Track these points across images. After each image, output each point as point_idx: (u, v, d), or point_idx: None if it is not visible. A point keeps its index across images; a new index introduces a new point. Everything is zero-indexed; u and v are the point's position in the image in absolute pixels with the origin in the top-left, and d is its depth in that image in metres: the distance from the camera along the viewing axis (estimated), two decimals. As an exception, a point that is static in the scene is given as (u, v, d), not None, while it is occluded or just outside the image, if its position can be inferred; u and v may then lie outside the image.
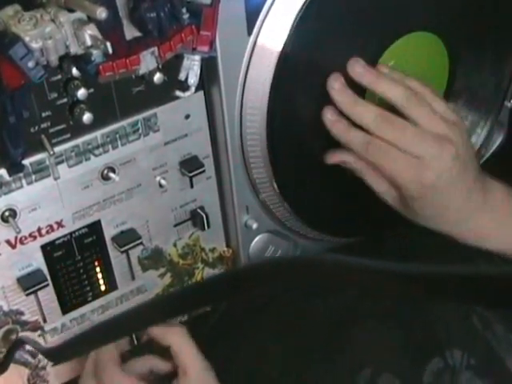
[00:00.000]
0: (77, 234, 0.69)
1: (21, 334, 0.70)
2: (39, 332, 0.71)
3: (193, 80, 0.65)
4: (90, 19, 0.55)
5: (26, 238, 0.66)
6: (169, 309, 0.68)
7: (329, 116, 0.72)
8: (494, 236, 0.76)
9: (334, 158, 0.74)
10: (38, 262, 0.68)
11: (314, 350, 0.74)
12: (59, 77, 0.60)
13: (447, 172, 0.71)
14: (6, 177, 0.62)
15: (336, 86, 0.71)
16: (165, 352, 0.71)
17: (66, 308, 0.72)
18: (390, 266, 0.51)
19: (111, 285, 0.74)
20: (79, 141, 0.65)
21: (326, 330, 0.75)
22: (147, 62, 0.60)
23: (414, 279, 0.51)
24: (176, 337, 0.70)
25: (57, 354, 0.71)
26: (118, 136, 0.67)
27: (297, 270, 0.60)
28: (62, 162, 0.65)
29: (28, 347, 0.71)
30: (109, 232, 0.71)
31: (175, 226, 0.75)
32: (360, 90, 0.72)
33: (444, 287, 0.51)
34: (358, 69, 0.71)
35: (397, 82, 0.72)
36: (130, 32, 0.58)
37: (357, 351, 0.72)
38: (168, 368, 0.71)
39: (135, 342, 0.74)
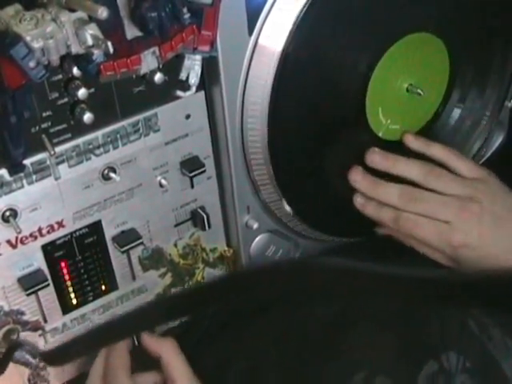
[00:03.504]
0: (77, 233, 0.69)
1: (20, 334, 0.70)
2: (40, 332, 0.71)
3: (194, 80, 0.65)
4: (91, 19, 0.55)
5: (26, 237, 0.66)
6: (167, 311, 0.68)
7: (359, 200, 0.79)
8: None
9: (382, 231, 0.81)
10: (39, 261, 0.68)
11: (309, 353, 0.74)
12: (60, 77, 0.60)
13: (476, 229, 0.74)
14: (7, 177, 0.62)
15: (358, 178, 0.78)
16: (154, 362, 0.71)
17: (66, 308, 0.72)
18: (391, 270, 0.51)
19: (112, 285, 0.74)
20: (80, 141, 0.65)
21: (321, 333, 0.75)
22: (148, 61, 0.60)
23: (413, 283, 0.51)
24: (167, 349, 0.71)
25: (54, 357, 0.71)
26: (118, 136, 0.67)
27: (294, 274, 0.60)
28: (62, 161, 0.65)
29: (28, 347, 0.71)
30: (109, 232, 0.71)
31: (176, 225, 0.75)
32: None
33: (442, 290, 0.51)
34: (375, 159, 0.78)
35: (412, 162, 0.77)
36: (131, 31, 0.58)
37: (352, 354, 0.72)
38: None
39: (136, 343, 0.74)
